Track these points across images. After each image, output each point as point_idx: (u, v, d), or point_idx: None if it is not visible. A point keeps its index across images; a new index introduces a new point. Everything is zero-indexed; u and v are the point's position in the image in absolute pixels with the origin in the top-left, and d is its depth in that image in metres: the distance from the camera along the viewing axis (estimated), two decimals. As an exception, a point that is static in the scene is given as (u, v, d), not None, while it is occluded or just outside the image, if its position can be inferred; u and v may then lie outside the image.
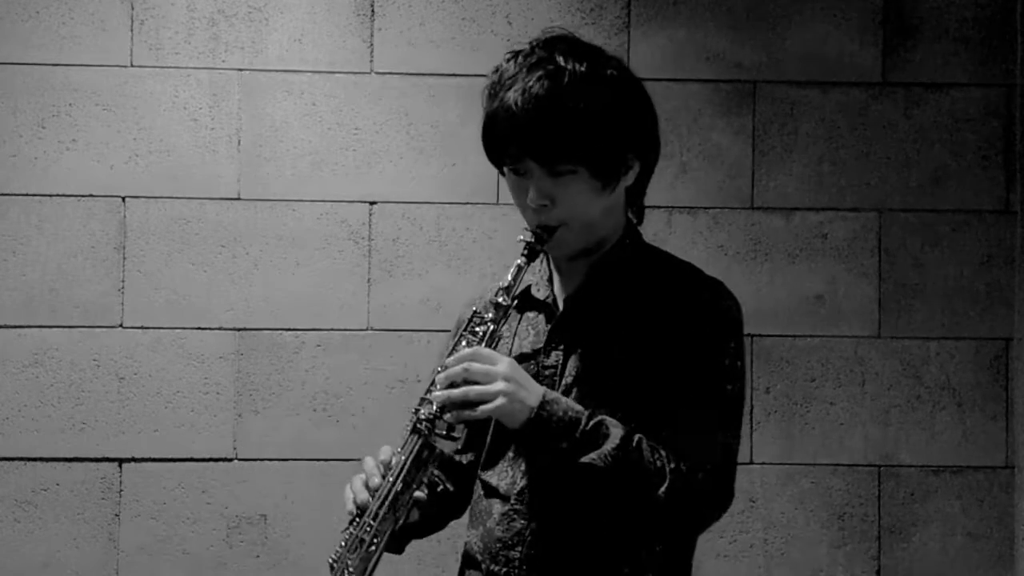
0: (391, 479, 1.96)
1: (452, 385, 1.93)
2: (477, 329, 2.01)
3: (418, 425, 1.96)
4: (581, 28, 3.59)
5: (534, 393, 1.93)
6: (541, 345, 2.09)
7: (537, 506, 2.02)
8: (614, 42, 3.60)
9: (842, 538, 3.57)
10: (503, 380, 1.91)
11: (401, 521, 1.98)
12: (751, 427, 3.57)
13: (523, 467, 2.05)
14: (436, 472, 2.17)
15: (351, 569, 1.95)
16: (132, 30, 3.55)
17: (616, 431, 1.94)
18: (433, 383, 1.97)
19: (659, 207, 3.58)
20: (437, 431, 1.95)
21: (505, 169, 2.05)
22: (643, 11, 3.62)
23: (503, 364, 1.94)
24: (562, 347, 2.07)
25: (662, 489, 1.93)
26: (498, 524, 2.05)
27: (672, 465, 1.95)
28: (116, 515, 3.48)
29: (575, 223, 2.03)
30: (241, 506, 3.50)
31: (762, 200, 3.61)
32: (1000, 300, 3.62)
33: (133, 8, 3.55)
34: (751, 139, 3.62)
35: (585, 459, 1.92)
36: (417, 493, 1.99)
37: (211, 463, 3.50)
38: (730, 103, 3.62)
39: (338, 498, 2.04)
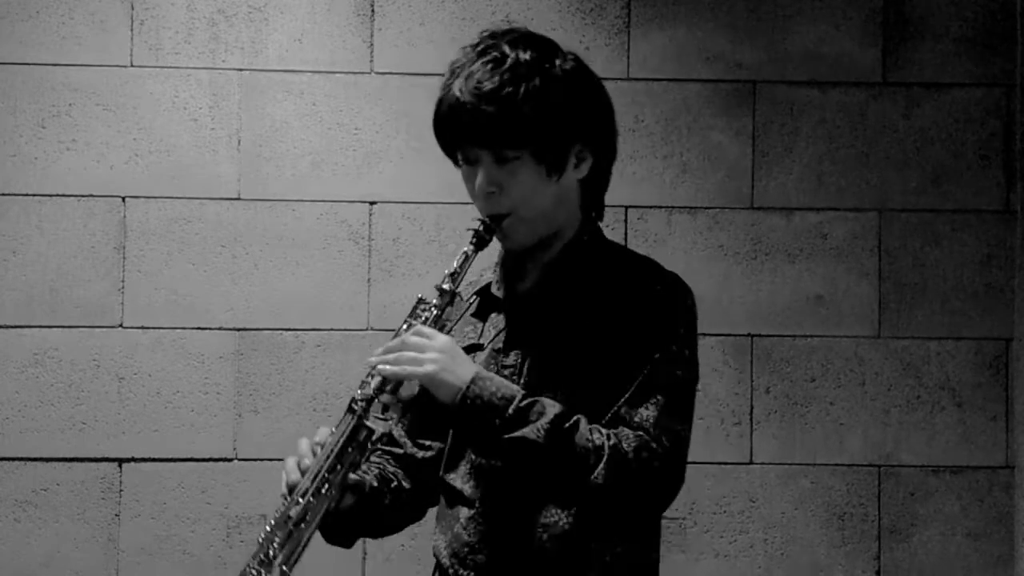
0: (322, 458, 1.97)
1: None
2: (421, 314, 2.06)
3: (353, 405, 1.98)
4: (581, 28, 3.59)
5: (467, 369, 1.96)
6: (501, 344, 2.09)
7: (504, 510, 2.02)
8: (614, 42, 3.60)
9: (842, 538, 3.57)
10: (436, 351, 1.96)
11: (334, 503, 1.98)
12: (751, 427, 3.57)
13: (486, 470, 2.05)
14: (392, 468, 2.19)
15: (276, 545, 1.95)
16: (132, 30, 3.55)
17: (552, 410, 1.94)
18: (374, 367, 2.00)
19: (659, 207, 3.58)
20: (372, 411, 1.97)
21: (459, 159, 2.08)
22: (643, 11, 3.62)
23: (439, 339, 1.98)
24: (520, 347, 2.07)
25: (600, 466, 1.92)
26: (464, 529, 2.05)
27: (612, 442, 1.94)
28: (116, 515, 3.48)
29: (523, 211, 2.04)
30: (241, 506, 3.50)
31: (762, 200, 3.61)
32: (1000, 300, 3.62)
33: (133, 8, 3.55)
34: (751, 139, 3.62)
35: (517, 433, 1.92)
36: (352, 476, 2.00)
37: (211, 463, 3.50)
38: (730, 103, 3.62)
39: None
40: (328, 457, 1.97)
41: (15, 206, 3.50)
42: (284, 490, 2.00)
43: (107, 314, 3.50)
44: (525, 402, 1.94)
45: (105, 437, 3.48)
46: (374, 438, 2.01)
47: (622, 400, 1.99)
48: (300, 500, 1.96)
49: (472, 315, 2.18)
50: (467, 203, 3.58)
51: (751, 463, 3.56)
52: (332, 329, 3.53)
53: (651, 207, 3.58)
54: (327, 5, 3.58)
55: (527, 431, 1.92)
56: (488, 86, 2.00)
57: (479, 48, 2.08)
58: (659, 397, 1.99)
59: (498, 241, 2.10)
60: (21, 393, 3.48)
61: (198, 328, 3.51)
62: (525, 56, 2.04)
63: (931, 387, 3.60)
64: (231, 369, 3.51)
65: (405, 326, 2.05)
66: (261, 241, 3.54)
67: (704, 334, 3.57)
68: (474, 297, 2.18)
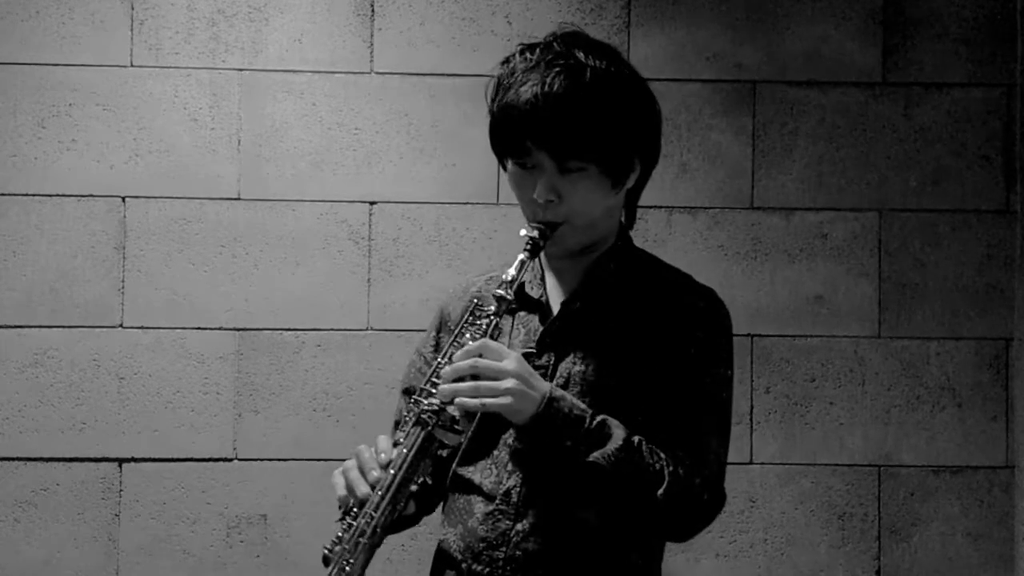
0: (393, 472, 1.94)
1: (460, 379, 1.93)
2: (479, 322, 2.01)
3: (422, 416, 1.95)
4: (581, 28, 3.59)
5: (540, 390, 1.94)
6: (533, 345, 2.09)
7: (524, 508, 2.02)
8: (614, 42, 3.58)
9: (842, 538, 3.57)
10: (512, 378, 1.92)
11: (398, 514, 1.97)
12: (751, 427, 3.57)
13: (509, 467, 2.04)
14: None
15: (351, 562, 1.95)
16: (132, 30, 3.55)
17: (619, 432, 1.94)
18: (435, 374, 1.97)
19: (659, 207, 3.58)
20: (441, 423, 1.95)
21: (509, 163, 2.05)
22: (643, 11, 3.62)
23: (511, 360, 1.94)
24: (554, 349, 2.07)
25: (660, 491, 1.94)
26: (481, 524, 2.04)
27: (671, 468, 1.96)
28: (116, 515, 3.48)
29: (579, 221, 2.03)
30: (241, 506, 3.50)
31: (762, 200, 3.61)
32: (1000, 300, 3.62)
33: (133, 8, 3.55)
34: (751, 139, 3.62)
35: (590, 458, 1.92)
36: (413, 486, 1.99)
37: (211, 463, 3.50)
38: (730, 103, 3.62)
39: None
40: (400, 470, 1.94)
41: (15, 206, 3.50)
42: (342, 494, 1.97)
43: (107, 314, 3.50)
44: (595, 423, 1.94)
45: (105, 437, 3.48)
46: (438, 446, 1.99)
47: (677, 422, 2.00)
48: (373, 514, 1.94)
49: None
50: (467, 203, 3.61)
51: (751, 463, 3.56)
52: (332, 329, 3.53)
53: (651, 207, 3.58)
54: (327, 5, 3.58)
55: (597, 456, 1.93)
56: (567, 94, 1.95)
57: (550, 55, 2.00)
58: (710, 422, 2.02)
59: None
60: (21, 393, 3.48)
61: (198, 328, 3.51)
62: (601, 66, 1.99)
63: (931, 387, 3.60)
64: (231, 369, 3.51)
65: (467, 335, 2.02)
66: (261, 241, 3.54)
67: (704, 334, 3.59)
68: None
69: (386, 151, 3.57)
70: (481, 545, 2.03)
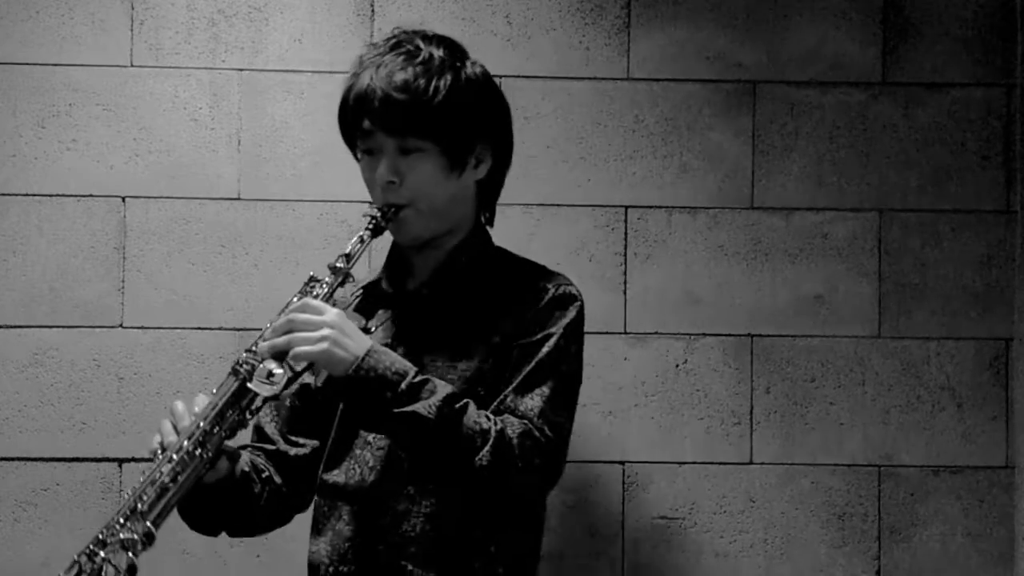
0: (201, 417, 1.95)
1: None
2: (311, 291, 2.06)
3: (237, 367, 1.96)
4: (581, 28, 3.59)
5: (360, 343, 1.96)
6: (389, 340, 2.10)
7: (387, 502, 2.03)
8: (614, 42, 3.60)
9: (842, 538, 3.57)
10: (328, 327, 1.94)
11: (208, 465, 1.95)
12: (751, 427, 3.57)
13: (371, 464, 2.05)
14: (263, 462, 2.18)
15: (146, 501, 1.94)
16: (132, 30, 3.55)
17: (444, 389, 1.95)
18: (261, 336, 1.99)
19: (659, 207, 3.58)
20: (256, 375, 1.94)
21: (359, 152, 2.10)
22: (643, 11, 3.62)
23: (329, 313, 1.97)
24: (407, 339, 2.08)
25: (486, 449, 1.94)
26: (348, 524, 2.05)
27: (498, 427, 1.96)
28: (116, 515, 3.47)
29: (421, 204, 2.07)
30: (241, 506, 3.50)
31: (762, 200, 3.61)
32: (1000, 300, 3.62)
33: (133, 8, 3.55)
34: (751, 139, 3.62)
35: (409, 408, 1.92)
36: (228, 443, 1.99)
37: (211, 463, 3.50)
38: (730, 103, 3.62)
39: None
40: (207, 417, 1.95)
41: (15, 206, 3.50)
42: (155, 447, 1.98)
43: (107, 314, 3.50)
44: (418, 379, 1.96)
45: (105, 437, 3.48)
46: (256, 404, 1.98)
47: (508, 389, 2.01)
48: (174, 457, 1.93)
49: (355, 310, 2.19)
50: (467, 203, 3.58)
51: (751, 463, 3.56)
52: (332, 329, 3.53)
53: (651, 207, 3.58)
54: (327, 5, 3.59)
55: (418, 407, 1.93)
56: (401, 76, 2.03)
57: (392, 42, 2.10)
58: (544, 389, 2.03)
59: (391, 234, 2.12)
60: (21, 393, 3.48)
61: (198, 328, 3.51)
62: (438, 53, 2.08)
63: (931, 387, 3.60)
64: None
65: (296, 298, 2.04)
66: (261, 241, 3.54)
67: (704, 334, 3.59)
68: (360, 291, 2.20)
69: (386, 151, 3.57)
70: (347, 545, 2.04)
